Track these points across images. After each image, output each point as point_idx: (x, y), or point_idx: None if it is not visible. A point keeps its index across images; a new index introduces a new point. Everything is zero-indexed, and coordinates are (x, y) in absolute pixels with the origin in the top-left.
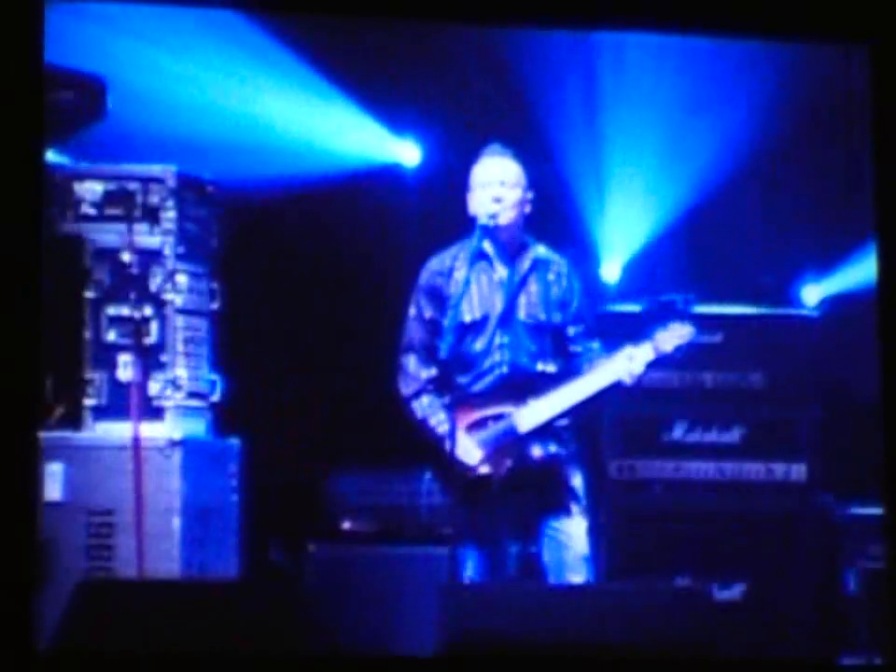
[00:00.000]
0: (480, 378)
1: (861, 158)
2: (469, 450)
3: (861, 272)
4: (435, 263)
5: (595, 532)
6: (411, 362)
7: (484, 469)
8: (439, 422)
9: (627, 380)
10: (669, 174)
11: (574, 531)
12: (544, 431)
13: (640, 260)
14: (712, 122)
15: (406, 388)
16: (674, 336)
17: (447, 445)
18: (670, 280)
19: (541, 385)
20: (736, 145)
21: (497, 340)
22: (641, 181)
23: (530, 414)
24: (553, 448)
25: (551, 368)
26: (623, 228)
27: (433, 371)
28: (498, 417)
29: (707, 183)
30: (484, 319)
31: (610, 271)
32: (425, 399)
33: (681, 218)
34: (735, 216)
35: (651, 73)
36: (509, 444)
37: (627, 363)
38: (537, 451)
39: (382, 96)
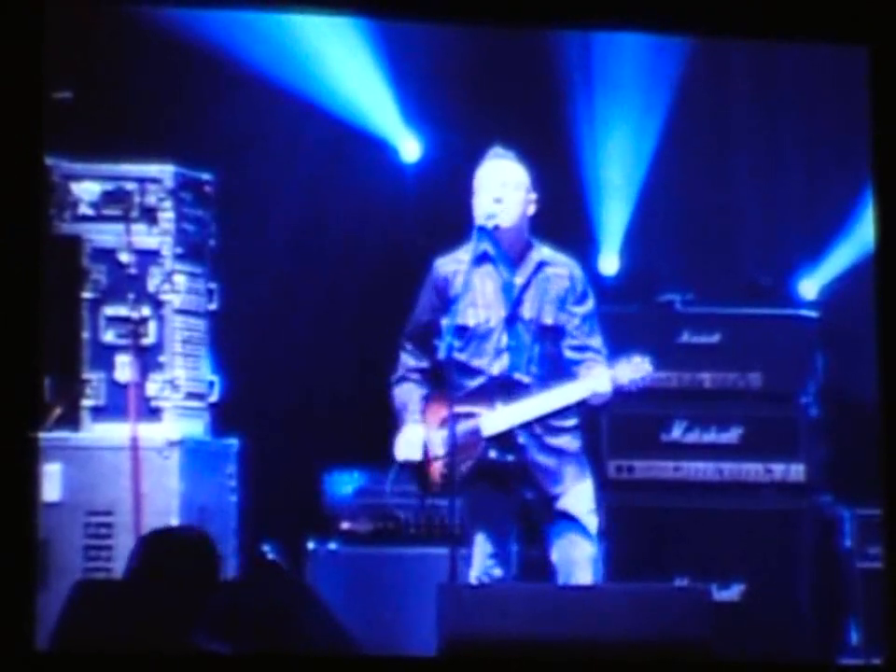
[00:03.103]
0: (475, 379)
1: (859, 156)
2: (434, 446)
3: (854, 249)
4: (441, 263)
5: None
6: (405, 348)
7: (445, 465)
8: (413, 410)
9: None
10: (668, 172)
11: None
12: (506, 438)
13: (638, 260)
14: (710, 121)
15: (393, 373)
16: (629, 371)
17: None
18: (668, 279)
19: (524, 389)
20: (735, 143)
21: (501, 343)
22: (640, 179)
23: (496, 419)
24: (510, 457)
25: (540, 372)
26: (623, 227)
27: (423, 364)
28: (470, 416)
29: (706, 181)
30: (487, 322)
31: (609, 269)
32: (405, 387)
33: (679, 216)
34: (732, 214)
35: (649, 72)
36: (470, 445)
37: (588, 387)
38: (493, 454)
39: (384, 93)
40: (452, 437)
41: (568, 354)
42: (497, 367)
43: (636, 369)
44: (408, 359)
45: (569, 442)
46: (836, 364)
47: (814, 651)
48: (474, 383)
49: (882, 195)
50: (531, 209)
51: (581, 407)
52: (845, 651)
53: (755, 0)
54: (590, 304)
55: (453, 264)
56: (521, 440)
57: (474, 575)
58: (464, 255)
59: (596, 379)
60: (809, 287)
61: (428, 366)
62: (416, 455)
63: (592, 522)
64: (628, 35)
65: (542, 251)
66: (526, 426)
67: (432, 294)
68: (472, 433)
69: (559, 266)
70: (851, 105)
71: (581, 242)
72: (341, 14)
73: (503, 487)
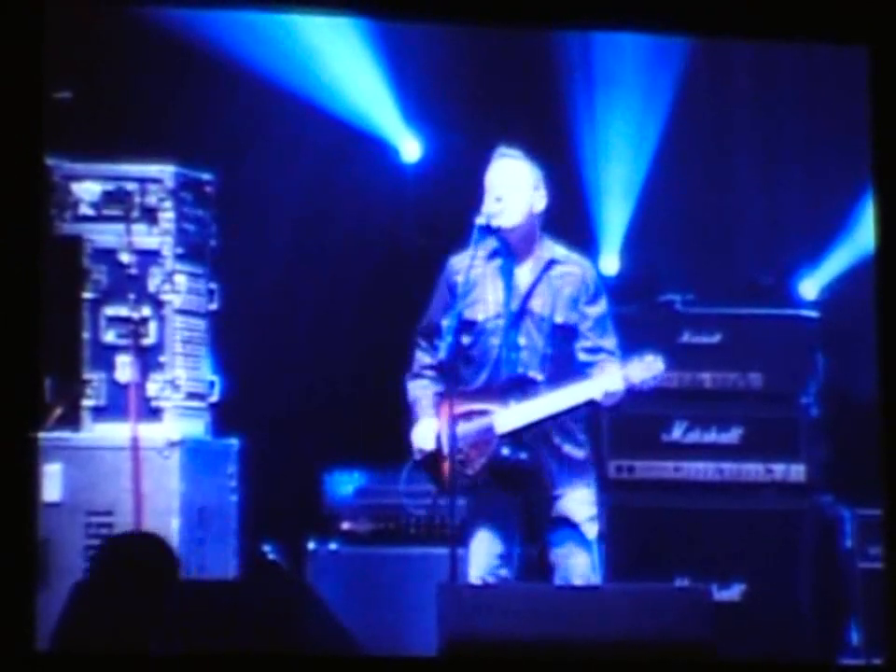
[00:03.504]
0: (483, 375)
1: (860, 156)
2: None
3: (854, 249)
4: (454, 260)
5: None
6: (420, 345)
7: (460, 462)
8: (426, 406)
9: (600, 398)
10: (669, 172)
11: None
12: (519, 437)
13: (639, 260)
14: (710, 121)
15: (409, 369)
16: (640, 370)
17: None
18: (669, 280)
19: (537, 387)
20: (735, 143)
21: (510, 340)
22: (641, 179)
23: (509, 417)
24: (522, 455)
25: (552, 371)
26: (623, 227)
27: (436, 360)
28: (484, 413)
29: (706, 181)
30: (496, 318)
31: (609, 269)
32: (420, 383)
33: (680, 216)
34: (733, 214)
35: (649, 72)
36: (483, 442)
37: (601, 386)
38: (505, 451)
39: (384, 93)
40: (452, 435)
41: (581, 356)
42: (507, 363)
43: (648, 368)
44: (423, 356)
45: (578, 449)
46: (836, 364)
47: (814, 651)
48: (482, 377)
49: (882, 195)
50: (539, 206)
51: (593, 408)
52: (845, 651)
53: (755, 0)
54: (603, 305)
55: (466, 259)
56: (533, 439)
57: (478, 575)
58: (476, 252)
59: (609, 378)
60: (810, 287)
61: (440, 362)
62: (430, 446)
63: (591, 530)
64: (628, 34)
65: (555, 249)
66: (539, 427)
67: (445, 291)
68: (486, 430)
69: (571, 265)
70: (851, 106)
71: (581, 242)
72: (341, 14)
73: (513, 486)
